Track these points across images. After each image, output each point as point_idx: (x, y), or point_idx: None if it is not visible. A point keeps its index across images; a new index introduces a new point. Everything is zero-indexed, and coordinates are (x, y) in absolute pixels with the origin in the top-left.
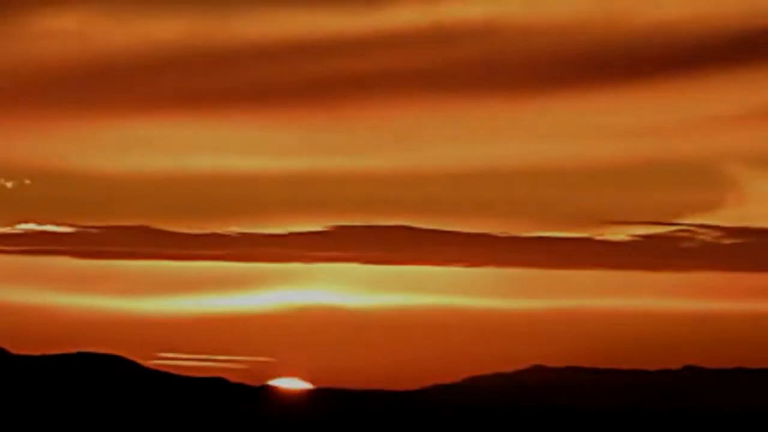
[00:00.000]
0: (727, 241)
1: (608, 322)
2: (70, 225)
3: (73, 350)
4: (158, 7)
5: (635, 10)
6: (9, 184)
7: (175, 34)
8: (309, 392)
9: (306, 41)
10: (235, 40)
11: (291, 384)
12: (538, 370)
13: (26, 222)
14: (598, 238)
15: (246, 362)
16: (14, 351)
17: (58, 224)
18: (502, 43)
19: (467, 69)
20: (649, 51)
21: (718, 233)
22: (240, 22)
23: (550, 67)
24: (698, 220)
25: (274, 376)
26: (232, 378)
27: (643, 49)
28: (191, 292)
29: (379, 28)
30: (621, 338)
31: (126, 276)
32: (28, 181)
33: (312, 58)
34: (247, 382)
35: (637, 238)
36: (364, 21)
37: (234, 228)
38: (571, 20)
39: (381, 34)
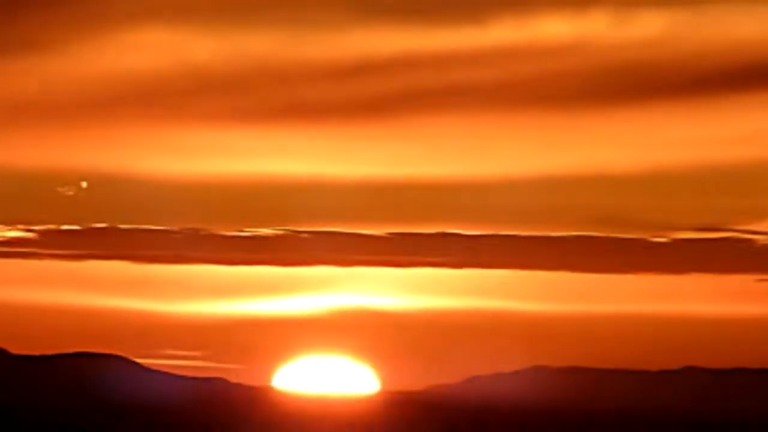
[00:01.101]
0: None
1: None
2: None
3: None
4: (252, 19)
5: (712, 28)
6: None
7: (269, 45)
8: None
9: (397, 56)
10: (329, 54)
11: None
12: (537, 371)
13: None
14: (655, 240)
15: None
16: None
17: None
18: (588, 57)
19: (554, 82)
20: (718, 65)
21: None
22: (333, 37)
23: (633, 80)
24: (754, 227)
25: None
26: (233, 378)
27: (714, 63)
28: (246, 296)
29: (475, 44)
30: (685, 342)
31: (175, 280)
32: (92, 186)
33: (399, 73)
34: (248, 382)
35: (699, 242)
36: (456, 36)
37: (305, 230)
38: (656, 35)
39: (476, 49)
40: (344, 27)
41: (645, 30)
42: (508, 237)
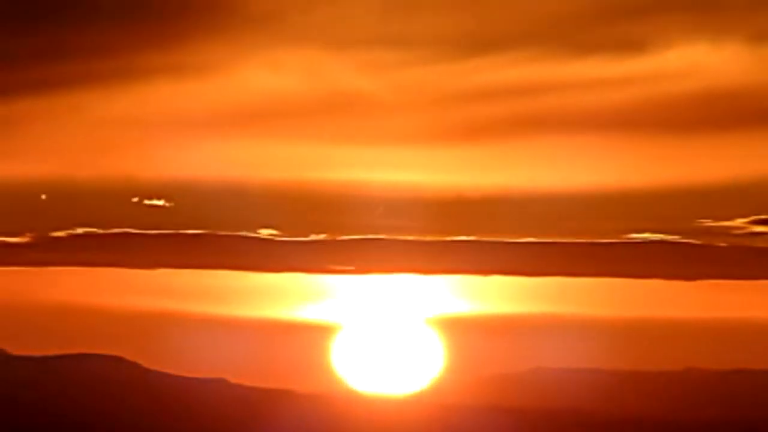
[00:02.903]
0: None
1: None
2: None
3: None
4: (401, 44)
5: None
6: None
7: (414, 69)
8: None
9: (528, 82)
10: (461, 80)
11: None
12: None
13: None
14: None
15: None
16: (15, 352)
17: None
18: (703, 83)
19: (671, 105)
20: None
21: None
22: (466, 64)
23: (743, 106)
24: None
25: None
26: (233, 379)
27: None
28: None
29: (603, 72)
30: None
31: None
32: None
33: (530, 97)
34: (248, 383)
35: None
36: (585, 65)
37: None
38: None
39: (601, 77)
40: (480, 55)
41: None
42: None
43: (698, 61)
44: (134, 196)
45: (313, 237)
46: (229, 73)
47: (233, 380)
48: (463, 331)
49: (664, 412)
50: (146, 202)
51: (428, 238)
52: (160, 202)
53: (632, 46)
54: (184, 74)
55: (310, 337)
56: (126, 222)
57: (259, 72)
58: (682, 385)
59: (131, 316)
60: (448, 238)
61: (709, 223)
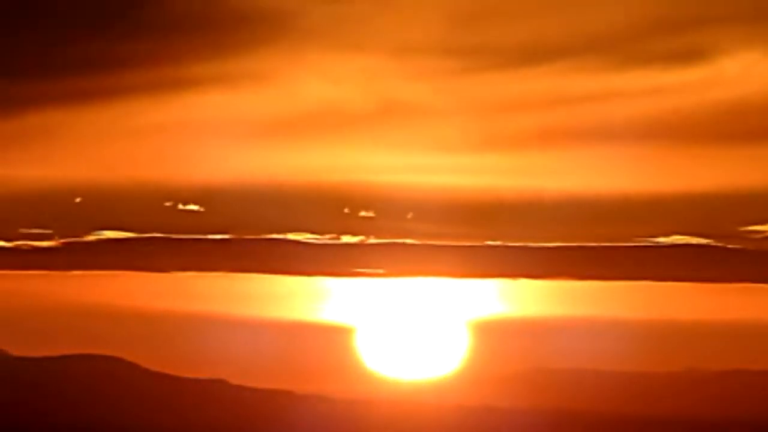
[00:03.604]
0: None
1: None
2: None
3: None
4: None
5: None
6: None
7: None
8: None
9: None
10: (529, 87)
11: None
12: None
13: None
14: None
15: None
16: (15, 353)
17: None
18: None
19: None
20: None
21: None
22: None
23: None
24: None
25: None
26: (233, 380)
27: None
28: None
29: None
30: None
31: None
32: None
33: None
34: (248, 383)
35: None
36: (650, 75)
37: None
38: None
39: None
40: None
41: None
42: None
43: (751, 69)
44: (171, 201)
45: (345, 240)
46: (281, 81)
47: (234, 381)
48: (493, 333)
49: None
50: (180, 207)
51: (458, 243)
52: (195, 207)
53: (685, 55)
54: (236, 83)
55: (337, 338)
56: (163, 226)
57: (311, 80)
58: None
59: (159, 318)
60: (479, 243)
61: (750, 227)
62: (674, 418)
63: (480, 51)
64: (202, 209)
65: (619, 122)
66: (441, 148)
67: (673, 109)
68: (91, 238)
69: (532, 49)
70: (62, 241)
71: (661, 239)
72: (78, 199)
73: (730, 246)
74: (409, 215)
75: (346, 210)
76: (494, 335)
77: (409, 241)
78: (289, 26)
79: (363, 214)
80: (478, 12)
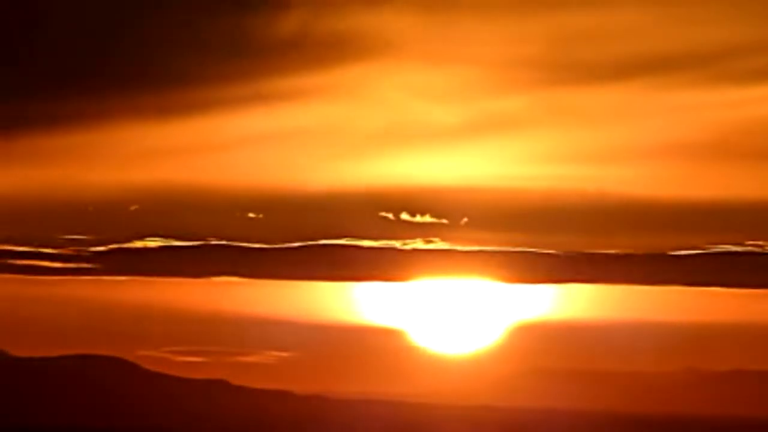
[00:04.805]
0: None
1: None
2: None
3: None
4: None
5: None
6: None
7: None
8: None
9: None
10: None
11: None
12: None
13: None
14: None
15: None
16: (15, 353)
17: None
18: None
19: None
20: None
21: None
22: None
23: None
24: None
25: None
26: (233, 380)
27: None
28: None
29: None
30: None
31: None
32: None
33: None
34: (248, 384)
35: None
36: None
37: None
38: None
39: None
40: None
41: None
42: None
43: None
44: (254, 211)
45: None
46: (369, 94)
47: (234, 382)
48: (543, 336)
49: None
50: (250, 215)
51: (511, 249)
52: (256, 215)
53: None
54: (332, 95)
55: (388, 340)
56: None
57: (398, 93)
58: None
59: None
60: (531, 250)
61: None
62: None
63: (574, 66)
64: (259, 216)
65: (709, 133)
66: (532, 158)
67: (758, 120)
68: (139, 244)
69: (625, 65)
70: (113, 246)
71: (732, 247)
72: (133, 207)
73: None
74: (494, 222)
75: (442, 219)
76: (545, 336)
77: (505, 248)
78: (378, 39)
79: (444, 221)
80: (569, 27)
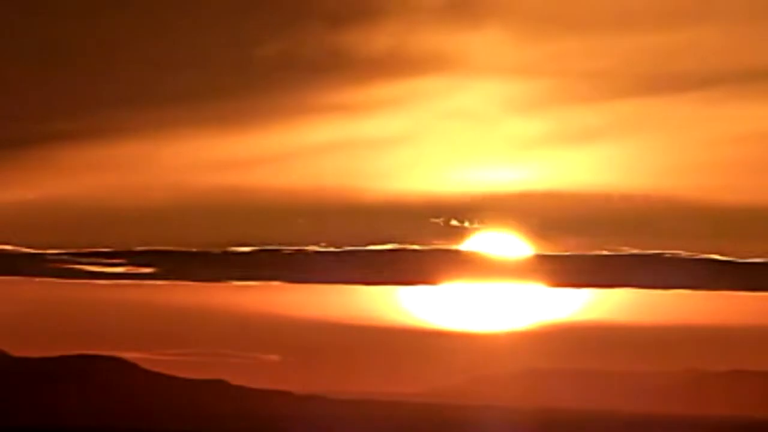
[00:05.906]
0: None
1: None
2: None
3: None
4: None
5: None
6: None
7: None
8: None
9: None
10: None
11: None
12: (531, 372)
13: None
14: None
15: None
16: (14, 353)
17: None
18: None
19: None
20: None
21: None
22: None
23: None
24: None
25: None
26: (233, 380)
27: None
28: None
29: None
30: None
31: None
32: None
33: None
34: (248, 384)
35: None
36: None
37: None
38: None
39: None
40: None
41: None
42: None
43: None
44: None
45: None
46: (447, 105)
47: (234, 382)
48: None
49: None
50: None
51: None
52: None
53: None
54: (413, 105)
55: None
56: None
57: (480, 104)
58: None
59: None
60: (567, 253)
61: None
62: None
63: (654, 79)
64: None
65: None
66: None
67: None
68: (238, 249)
69: (703, 79)
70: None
71: None
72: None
73: None
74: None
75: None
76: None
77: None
78: (467, 56)
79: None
80: (656, 45)
